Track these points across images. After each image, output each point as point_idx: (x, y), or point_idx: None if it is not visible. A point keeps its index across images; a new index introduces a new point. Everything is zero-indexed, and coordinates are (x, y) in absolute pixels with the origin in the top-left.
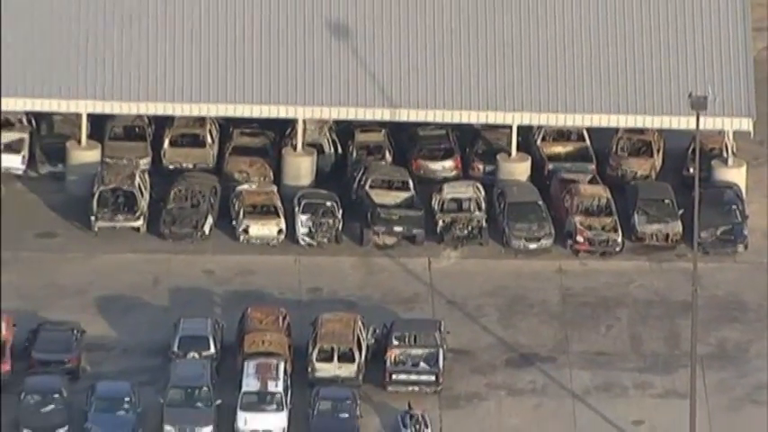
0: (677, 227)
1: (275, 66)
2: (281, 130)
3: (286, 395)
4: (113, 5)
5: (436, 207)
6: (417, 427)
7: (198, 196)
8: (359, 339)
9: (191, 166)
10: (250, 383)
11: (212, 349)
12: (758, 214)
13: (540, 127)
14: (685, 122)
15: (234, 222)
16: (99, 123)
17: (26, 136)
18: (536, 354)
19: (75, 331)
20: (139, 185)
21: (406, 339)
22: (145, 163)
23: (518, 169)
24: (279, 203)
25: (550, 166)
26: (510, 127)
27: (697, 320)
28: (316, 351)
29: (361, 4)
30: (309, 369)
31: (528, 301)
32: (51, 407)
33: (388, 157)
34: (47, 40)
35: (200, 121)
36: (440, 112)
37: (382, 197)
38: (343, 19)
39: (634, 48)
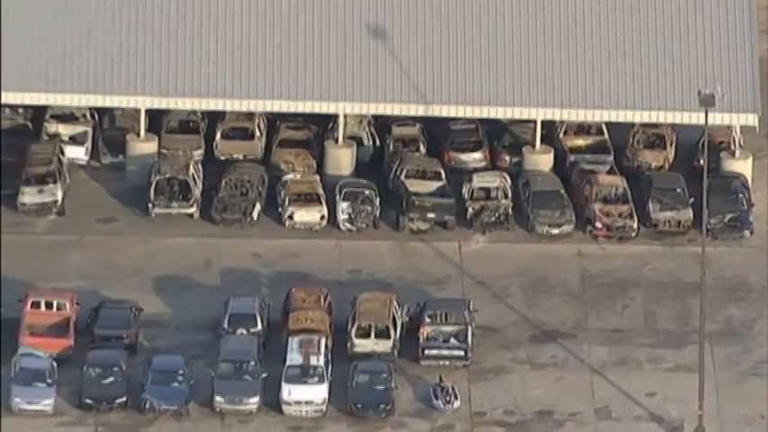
0: (688, 214)
1: (318, 65)
2: (323, 124)
3: (327, 369)
4: (168, 9)
5: (466, 195)
6: (447, 398)
7: (247, 185)
8: (394, 317)
9: (240, 157)
10: (294, 358)
11: (259, 326)
12: (763, 202)
13: (562, 122)
14: (696, 118)
15: (280, 209)
16: (156, 118)
17: (89, 129)
18: (557, 330)
19: (133, 309)
20: (193, 175)
21: (438, 317)
22: (198, 154)
23: (542, 160)
24: (321, 192)
25: (572, 157)
26: (534, 122)
27: (705, 300)
28: (354, 328)
29: (397, 10)
30: (348, 344)
31: (550, 282)
32: (111, 379)
33: (423, 149)
34: (108, 41)
35: (250, 115)
36: (469, 108)
37: (416, 186)
38: (380, 22)
39: (648, 49)
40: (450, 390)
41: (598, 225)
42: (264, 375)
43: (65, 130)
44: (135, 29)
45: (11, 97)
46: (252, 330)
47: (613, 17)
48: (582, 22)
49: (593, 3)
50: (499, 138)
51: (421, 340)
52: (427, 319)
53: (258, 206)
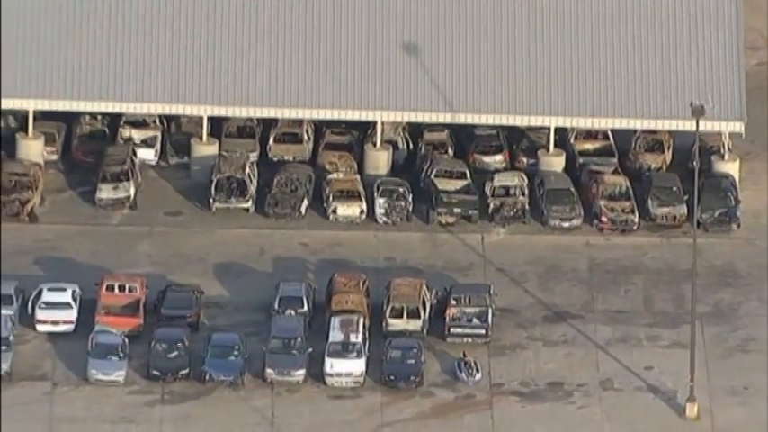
0: (683, 210)
1: (359, 78)
2: (363, 129)
3: (364, 345)
4: (228, 29)
5: (488, 193)
6: (470, 371)
7: (296, 183)
8: (424, 300)
9: (291, 158)
10: (335, 335)
11: (305, 307)
12: (749, 199)
13: (572, 128)
14: (689, 125)
15: (324, 204)
16: (217, 124)
17: (158, 134)
18: (567, 312)
19: (195, 292)
20: (249, 174)
21: (462, 300)
22: (254, 156)
23: (555, 162)
24: (361, 189)
25: (581, 159)
26: (548, 128)
27: (697, 285)
28: (389, 309)
29: (428, 31)
30: (383, 324)
31: (561, 269)
32: (176, 353)
33: (450, 152)
34: (176, 56)
35: (299, 122)
36: (491, 116)
37: (445, 184)
38: (413, 41)
39: (648, 66)
40: (473, 364)
41: (604, 219)
42: (310, 350)
43: (137, 134)
44: (199, 47)
45: (89, 105)
46: (299, 311)
47: (618, 39)
48: (590, 44)
49: (601, 29)
50: (517, 142)
51: (447, 320)
52: (453, 302)
53: (306, 202)
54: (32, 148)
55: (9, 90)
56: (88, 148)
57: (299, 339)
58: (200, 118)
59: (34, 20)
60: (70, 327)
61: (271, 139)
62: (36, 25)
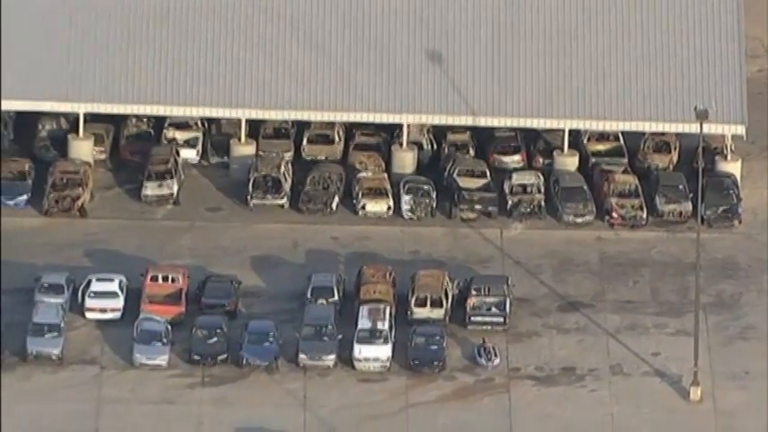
0: (688, 206)
1: (387, 84)
2: (391, 131)
3: (391, 332)
4: (264, 37)
5: (507, 190)
6: (489, 356)
7: (328, 181)
8: (446, 290)
9: (323, 158)
10: (364, 323)
11: (336, 297)
12: (749, 197)
13: (585, 130)
14: (694, 128)
15: (354, 201)
16: (255, 125)
17: (200, 135)
18: (579, 301)
19: (233, 282)
20: (284, 173)
21: (482, 290)
22: (288, 156)
23: (569, 162)
24: (388, 187)
25: (593, 159)
26: (563, 130)
27: (701, 277)
28: (414, 298)
29: (451, 41)
30: (408, 312)
31: (574, 261)
32: (215, 339)
33: (472, 152)
34: (216, 63)
35: (331, 124)
36: (510, 119)
37: (466, 182)
38: (437, 49)
39: (656, 73)
40: (492, 349)
41: (614, 215)
42: (340, 337)
43: (180, 135)
44: (237, 55)
45: (136, 108)
46: (330, 300)
47: (627, 49)
48: (602, 54)
49: (611, 40)
50: (534, 143)
51: (468, 309)
52: (473, 292)
53: (336, 198)
54: (83, 149)
55: (61, 94)
56: (135, 148)
57: (330, 327)
58: (239, 120)
59: (85, 28)
60: (117, 314)
61: (304, 140)
62: (86, 33)
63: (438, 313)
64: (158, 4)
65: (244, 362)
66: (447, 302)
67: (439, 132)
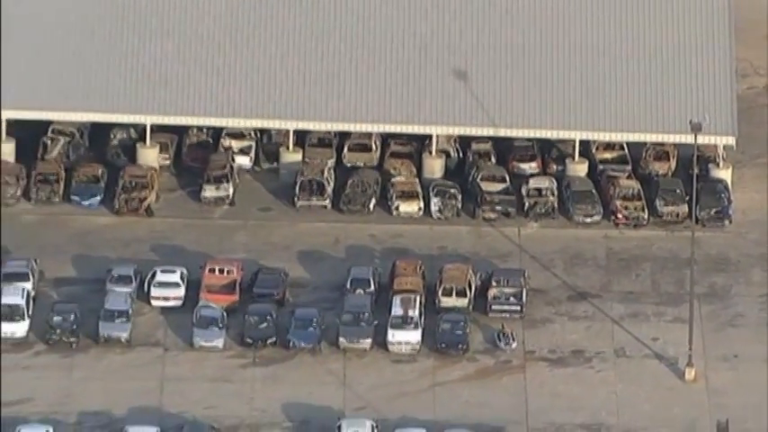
0: (685, 208)
1: (418, 98)
2: (421, 141)
3: (420, 319)
4: (309, 57)
5: (524, 193)
6: (507, 340)
7: (366, 185)
8: (470, 281)
9: (361, 164)
10: (396, 310)
11: (372, 287)
12: (739, 200)
13: (594, 141)
14: (690, 139)
15: (389, 202)
16: (301, 135)
17: (253, 143)
18: (588, 292)
19: (282, 274)
20: (327, 177)
21: (502, 282)
22: (331, 162)
23: (579, 168)
24: (419, 190)
25: (601, 166)
26: (574, 141)
27: (695, 270)
28: (441, 289)
29: (476, 59)
30: (436, 301)
31: (584, 256)
32: (265, 325)
33: (493, 159)
34: (267, 79)
35: (368, 134)
36: (527, 131)
37: (488, 186)
38: (463, 67)
39: (656, 90)
40: (510, 334)
41: (619, 216)
42: (375, 323)
43: (236, 143)
44: (286, 73)
45: (197, 120)
46: (367, 290)
47: (631, 68)
48: (609, 74)
49: (617, 62)
50: (549, 152)
51: (489, 298)
52: (494, 283)
53: (373, 200)
54: (149, 155)
55: (131, 107)
56: (195, 155)
57: (367, 314)
58: (288, 131)
59: (152, 50)
60: (179, 302)
61: (345, 149)
62: (153, 54)
63: (462, 302)
64: (217, 29)
65: (290, 344)
66: (470, 293)
67: (464, 142)
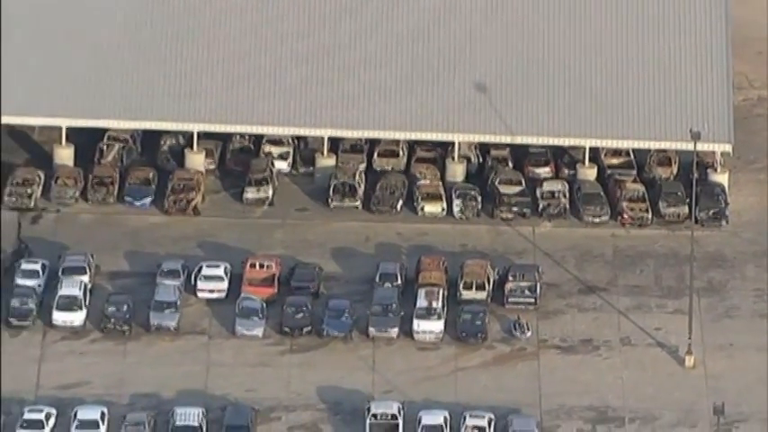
0: (685, 209)
1: (442, 108)
2: (445, 147)
3: (443, 310)
4: (342, 70)
5: (538, 195)
6: (522, 330)
7: (393, 187)
8: (489, 276)
9: (390, 168)
10: (421, 302)
11: (399, 281)
12: (735, 202)
13: (603, 147)
14: (690, 146)
15: (415, 203)
16: (335, 142)
17: (291, 149)
18: (596, 286)
19: (317, 268)
20: (358, 180)
21: (517, 276)
22: (362, 166)
23: (589, 173)
24: (443, 192)
25: (609, 171)
26: (584, 147)
27: (695, 266)
28: (462, 283)
29: (496, 73)
30: (457, 294)
31: (593, 253)
32: (301, 315)
33: (510, 164)
34: (304, 90)
35: (396, 141)
36: (542, 138)
37: (506, 189)
38: (484, 80)
39: (659, 101)
40: (525, 324)
41: (625, 216)
42: (402, 314)
43: (275, 149)
44: (321, 85)
45: (239, 128)
46: (394, 284)
47: (636, 82)
48: (617, 87)
49: (624, 75)
50: (561, 157)
51: (506, 292)
52: (510, 278)
53: (401, 201)
54: (196, 160)
55: (179, 115)
56: (238, 160)
57: (395, 305)
58: (323, 138)
59: (198, 62)
60: (222, 294)
61: (375, 154)
62: (198, 66)
63: (481, 295)
64: (257, 46)
65: (324, 333)
66: (489, 286)
67: (484, 149)
